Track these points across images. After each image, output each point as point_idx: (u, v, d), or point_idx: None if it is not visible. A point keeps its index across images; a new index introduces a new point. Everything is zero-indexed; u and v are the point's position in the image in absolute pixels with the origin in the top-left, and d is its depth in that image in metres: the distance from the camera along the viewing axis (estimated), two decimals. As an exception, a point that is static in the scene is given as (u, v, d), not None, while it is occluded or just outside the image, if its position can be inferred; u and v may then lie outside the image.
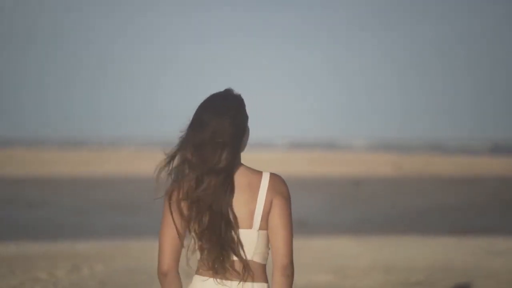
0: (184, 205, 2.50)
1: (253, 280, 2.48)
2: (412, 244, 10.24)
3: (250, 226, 2.47)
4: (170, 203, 2.53)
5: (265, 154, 46.81)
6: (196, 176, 2.48)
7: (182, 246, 2.52)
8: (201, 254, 2.48)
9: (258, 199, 2.47)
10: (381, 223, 14.14)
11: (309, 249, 9.57)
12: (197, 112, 2.55)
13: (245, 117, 2.59)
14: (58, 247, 9.91)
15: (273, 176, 2.53)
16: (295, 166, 29.85)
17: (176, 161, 2.54)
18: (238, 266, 2.46)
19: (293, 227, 2.48)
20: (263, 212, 2.47)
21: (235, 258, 2.45)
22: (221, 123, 2.50)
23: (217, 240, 2.44)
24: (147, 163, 35.52)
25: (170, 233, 2.50)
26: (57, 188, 21.86)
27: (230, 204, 2.47)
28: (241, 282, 2.47)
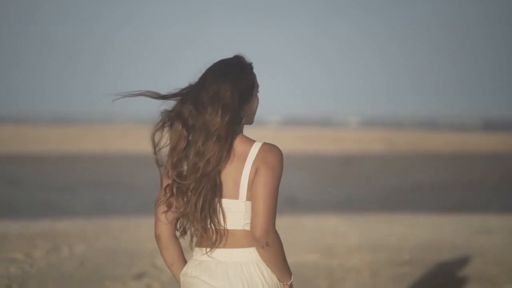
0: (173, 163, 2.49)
1: (242, 246, 2.47)
2: (402, 222, 10.05)
3: (236, 197, 2.45)
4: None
5: (258, 131, 46.64)
6: (189, 136, 2.47)
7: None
8: (186, 219, 2.48)
9: (244, 169, 2.45)
10: (371, 201, 13.94)
11: (297, 227, 9.36)
12: (202, 75, 2.53)
13: (249, 85, 2.53)
14: (38, 226, 9.65)
15: (265, 145, 2.48)
16: (287, 143, 29.62)
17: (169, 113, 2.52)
18: (225, 234, 2.47)
19: (276, 201, 2.42)
20: (248, 182, 2.45)
21: (222, 227, 2.46)
22: (221, 86, 2.47)
23: (201, 207, 2.44)
24: (134, 141, 35.25)
25: (161, 196, 2.52)
26: (40, 166, 21.55)
27: (219, 173, 2.46)
28: (230, 249, 2.47)
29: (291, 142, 31.90)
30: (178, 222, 2.52)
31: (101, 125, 66.67)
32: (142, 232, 9.05)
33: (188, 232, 2.51)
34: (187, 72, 2.61)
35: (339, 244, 8.25)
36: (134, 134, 42.99)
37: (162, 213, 2.51)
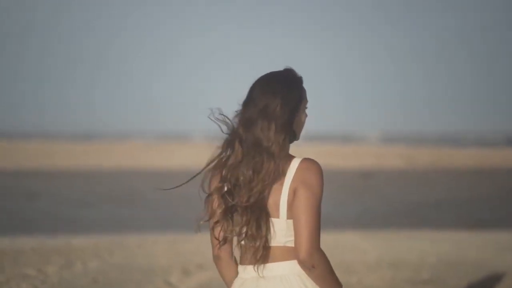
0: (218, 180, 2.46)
1: (284, 260, 2.45)
2: (422, 238, 9.82)
3: (277, 216, 2.42)
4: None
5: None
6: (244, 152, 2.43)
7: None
8: (239, 239, 2.46)
9: (283, 188, 2.41)
10: (390, 217, 13.69)
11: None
12: (250, 88, 2.50)
13: (298, 100, 2.47)
14: (53, 241, 9.57)
15: (303, 162, 2.42)
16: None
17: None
18: (268, 251, 2.45)
19: (318, 221, 2.38)
20: (287, 202, 2.41)
21: (267, 244, 2.44)
22: (270, 101, 2.43)
23: (256, 225, 2.42)
24: (152, 156, 35.27)
25: (214, 216, 2.49)
26: (58, 181, 21.57)
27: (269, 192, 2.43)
28: (272, 263, 2.45)
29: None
30: (221, 237, 2.48)
31: (123, 140, 66.91)
32: (157, 249, 8.92)
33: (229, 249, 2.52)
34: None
35: (358, 261, 8.06)
36: (155, 150, 43.03)
37: (220, 231, 2.46)
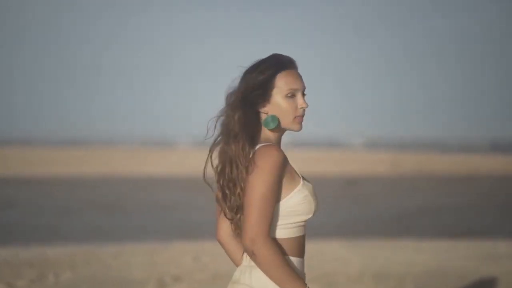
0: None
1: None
2: (406, 248, 9.61)
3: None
4: None
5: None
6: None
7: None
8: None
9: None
10: (375, 225, 13.48)
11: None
12: None
13: (262, 84, 2.39)
14: (28, 252, 9.25)
15: (259, 148, 2.36)
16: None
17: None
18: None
19: (263, 205, 2.27)
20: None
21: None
22: (238, 85, 2.44)
23: (231, 215, 2.44)
24: (136, 163, 34.92)
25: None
26: (40, 188, 21.18)
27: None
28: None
29: (295, 164, 31.42)
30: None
31: (104, 146, 66.42)
32: (134, 260, 8.65)
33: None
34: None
35: (340, 272, 7.83)
36: (138, 156, 42.65)
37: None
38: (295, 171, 2.44)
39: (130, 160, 37.21)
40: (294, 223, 2.41)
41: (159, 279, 7.42)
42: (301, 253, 2.44)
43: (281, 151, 2.37)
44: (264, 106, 2.40)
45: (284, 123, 2.41)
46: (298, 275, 2.33)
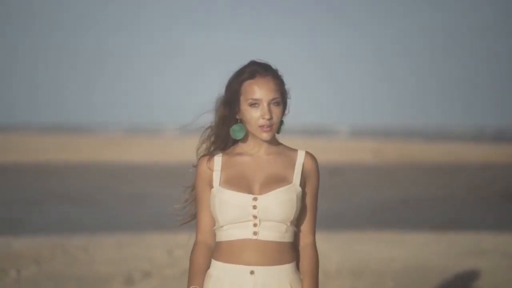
0: None
1: None
2: (387, 241, 9.29)
3: None
4: None
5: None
6: None
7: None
8: None
9: None
10: (355, 217, 13.17)
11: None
12: None
13: (232, 92, 2.54)
14: (-8, 245, 8.83)
15: None
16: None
17: None
18: None
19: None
20: None
21: None
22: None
23: None
24: (119, 150, 34.43)
25: None
26: (10, 177, 20.64)
27: None
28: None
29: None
30: None
31: (85, 133, 65.77)
32: (101, 253, 8.27)
33: None
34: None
35: (317, 268, 7.50)
36: (119, 143, 42.15)
37: None
38: (216, 178, 2.56)
39: (111, 148, 36.72)
40: (216, 228, 2.59)
41: (127, 275, 7.06)
42: (222, 258, 2.54)
43: (203, 162, 2.58)
44: (238, 112, 2.54)
45: (251, 130, 2.53)
46: (192, 276, 2.54)
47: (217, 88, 2.61)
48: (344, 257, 8.11)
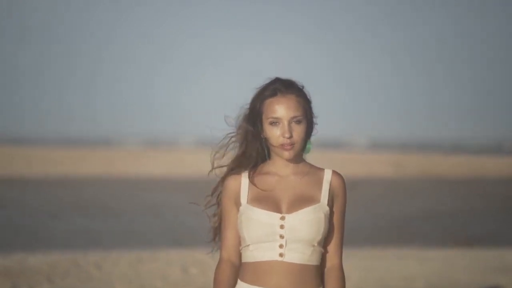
0: None
1: None
2: (408, 257, 9.03)
3: None
4: None
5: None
6: None
7: None
8: None
9: None
10: (376, 232, 12.90)
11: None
12: None
13: (253, 111, 2.54)
14: (7, 260, 8.70)
15: None
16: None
17: None
18: None
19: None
20: None
21: None
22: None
23: None
24: (136, 163, 34.41)
25: None
26: (30, 189, 20.60)
27: None
28: None
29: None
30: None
31: (104, 146, 66.01)
32: (117, 270, 8.10)
33: None
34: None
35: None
36: (137, 156, 42.17)
37: None
38: (243, 196, 2.52)
39: (128, 160, 36.73)
40: (242, 247, 2.55)
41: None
42: (248, 279, 2.50)
43: (230, 180, 2.54)
44: (262, 131, 2.53)
45: (273, 149, 2.53)
46: None
47: (237, 102, 2.59)
48: (364, 274, 7.88)
